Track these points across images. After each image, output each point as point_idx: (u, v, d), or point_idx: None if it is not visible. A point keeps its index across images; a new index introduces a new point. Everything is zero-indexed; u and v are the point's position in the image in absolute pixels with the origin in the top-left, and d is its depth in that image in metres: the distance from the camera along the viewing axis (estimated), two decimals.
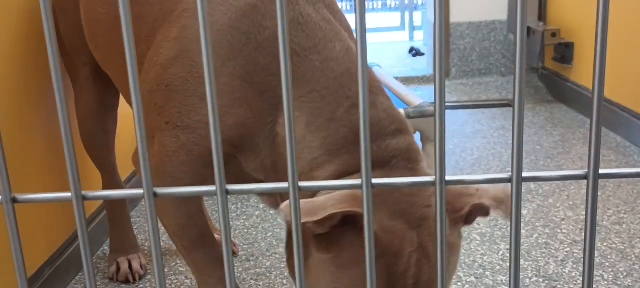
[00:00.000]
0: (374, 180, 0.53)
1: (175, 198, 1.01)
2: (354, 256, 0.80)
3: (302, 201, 0.76)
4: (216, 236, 1.61)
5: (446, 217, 0.81)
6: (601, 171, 0.52)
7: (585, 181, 0.51)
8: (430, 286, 0.82)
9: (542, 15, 3.06)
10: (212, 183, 0.93)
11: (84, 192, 0.53)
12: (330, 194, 0.79)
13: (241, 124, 0.91)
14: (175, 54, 0.94)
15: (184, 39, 0.94)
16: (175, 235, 1.03)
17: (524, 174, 0.52)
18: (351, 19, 1.10)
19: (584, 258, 0.52)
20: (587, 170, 0.51)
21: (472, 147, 2.31)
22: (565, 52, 2.82)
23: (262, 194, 1.04)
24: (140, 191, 0.53)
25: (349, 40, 0.94)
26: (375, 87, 0.92)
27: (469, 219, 0.87)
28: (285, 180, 0.91)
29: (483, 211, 0.87)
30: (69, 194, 0.53)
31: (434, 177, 0.51)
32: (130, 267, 1.48)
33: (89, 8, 1.21)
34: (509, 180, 0.52)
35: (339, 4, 1.06)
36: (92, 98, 1.39)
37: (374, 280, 0.52)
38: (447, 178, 0.52)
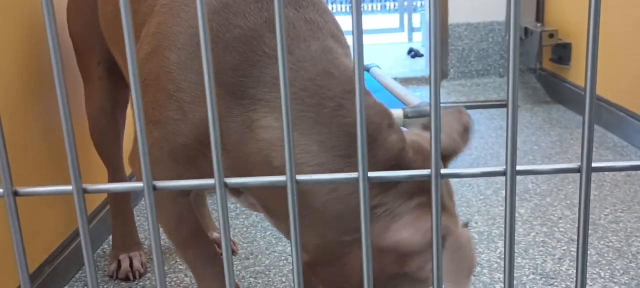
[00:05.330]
0: (370, 174, 0.53)
1: (165, 200, 1.03)
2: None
3: None
4: (215, 234, 1.61)
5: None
6: (594, 164, 0.53)
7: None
8: None
9: (539, 16, 3.07)
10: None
11: (84, 185, 0.54)
12: None
13: (206, 121, 0.89)
14: (151, 49, 0.93)
15: (159, 34, 0.93)
16: (169, 233, 1.05)
17: (518, 167, 0.53)
18: (349, 21, 1.10)
19: (577, 251, 0.53)
20: (580, 164, 0.52)
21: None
22: (562, 52, 2.83)
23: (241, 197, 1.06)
24: (140, 184, 0.54)
25: (329, 39, 0.90)
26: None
27: None
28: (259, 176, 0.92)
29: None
30: (69, 187, 0.54)
31: (428, 170, 0.52)
32: (130, 264, 1.49)
33: (102, 9, 1.25)
34: (503, 174, 0.53)
35: (339, 6, 1.06)
36: (105, 97, 1.40)
37: (371, 279, 0.53)
38: (442, 171, 0.53)
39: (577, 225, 1.76)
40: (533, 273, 1.44)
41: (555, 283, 1.40)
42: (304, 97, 0.84)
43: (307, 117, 0.84)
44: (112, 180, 1.50)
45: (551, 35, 2.83)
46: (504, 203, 1.89)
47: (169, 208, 1.02)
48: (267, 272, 1.49)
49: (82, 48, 1.40)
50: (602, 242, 1.57)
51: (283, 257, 1.55)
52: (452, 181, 1.77)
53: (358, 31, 0.48)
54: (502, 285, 1.39)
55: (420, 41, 4.65)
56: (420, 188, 0.84)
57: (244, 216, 1.80)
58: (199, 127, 0.89)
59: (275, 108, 0.85)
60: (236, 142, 0.88)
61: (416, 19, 5.33)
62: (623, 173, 2.01)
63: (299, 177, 0.53)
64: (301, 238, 0.87)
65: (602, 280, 1.40)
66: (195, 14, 0.91)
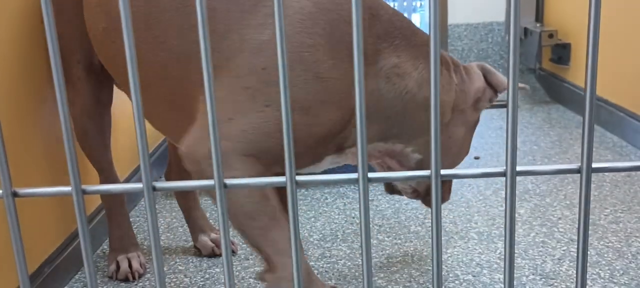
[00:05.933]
0: (371, 175, 0.53)
1: (250, 175, 1.04)
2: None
3: None
4: (213, 234, 1.61)
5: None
6: (594, 165, 0.53)
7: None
8: None
9: (539, 16, 3.07)
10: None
11: (83, 186, 0.54)
12: None
13: (350, 97, 1.05)
14: (268, 37, 1.02)
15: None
16: (250, 217, 1.00)
17: (519, 168, 0.53)
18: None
19: (578, 252, 0.52)
20: (580, 164, 0.52)
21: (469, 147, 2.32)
22: (562, 53, 2.83)
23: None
24: (139, 185, 0.54)
25: None
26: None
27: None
28: (408, 131, 1.15)
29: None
30: (68, 188, 0.54)
31: (429, 171, 0.52)
32: (129, 265, 1.49)
33: (104, 3, 1.20)
34: (503, 174, 0.53)
35: None
36: (86, 97, 1.39)
37: (371, 272, 0.53)
38: (442, 172, 0.52)
39: (577, 226, 1.76)
40: (533, 274, 1.44)
41: (555, 284, 1.40)
42: (404, 32, 1.11)
43: (411, 45, 1.11)
44: (103, 181, 1.50)
45: (551, 36, 2.83)
46: (503, 204, 1.89)
47: (251, 189, 1.00)
48: None
49: (62, 46, 1.38)
50: (601, 243, 1.57)
51: None
52: (453, 182, 1.77)
53: (358, 30, 0.48)
54: (502, 285, 1.39)
55: None
56: (446, 59, 1.20)
57: None
58: (349, 112, 1.06)
59: (397, 48, 1.10)
60: (374, 91, 1.08)
61: (416, 19, 5.33)
62: (623, 173, 2.02)
63: (299, 177, 0.53)
64: (415, 140, 1.17)
65: (602, 280, 1.40)
66: (306, 3, 1.05)
